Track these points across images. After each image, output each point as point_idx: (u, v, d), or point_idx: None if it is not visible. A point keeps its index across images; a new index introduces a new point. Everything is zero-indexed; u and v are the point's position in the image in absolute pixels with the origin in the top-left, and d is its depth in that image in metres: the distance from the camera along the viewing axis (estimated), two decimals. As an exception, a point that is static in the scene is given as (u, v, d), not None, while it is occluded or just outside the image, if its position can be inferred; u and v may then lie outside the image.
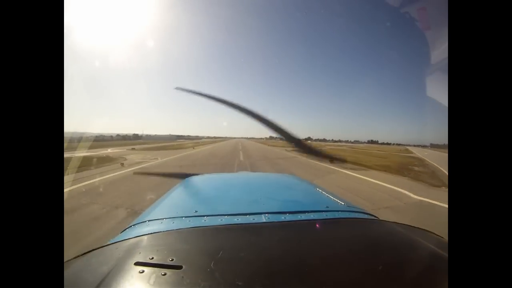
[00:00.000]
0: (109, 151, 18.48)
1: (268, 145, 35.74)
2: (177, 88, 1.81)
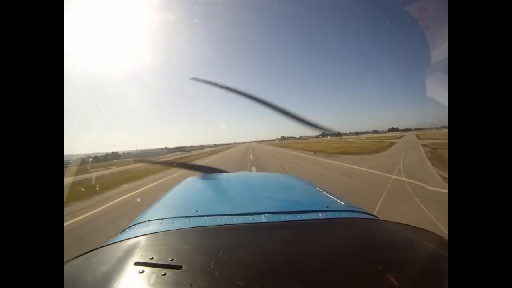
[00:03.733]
0: None
1: (301, 149, 25.31)
2: (192, 79, 1.77)
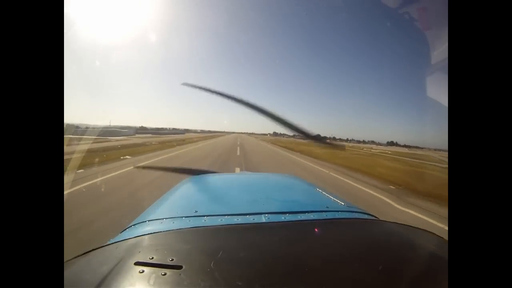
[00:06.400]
0: None
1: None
2: (183, 84, 1.83)
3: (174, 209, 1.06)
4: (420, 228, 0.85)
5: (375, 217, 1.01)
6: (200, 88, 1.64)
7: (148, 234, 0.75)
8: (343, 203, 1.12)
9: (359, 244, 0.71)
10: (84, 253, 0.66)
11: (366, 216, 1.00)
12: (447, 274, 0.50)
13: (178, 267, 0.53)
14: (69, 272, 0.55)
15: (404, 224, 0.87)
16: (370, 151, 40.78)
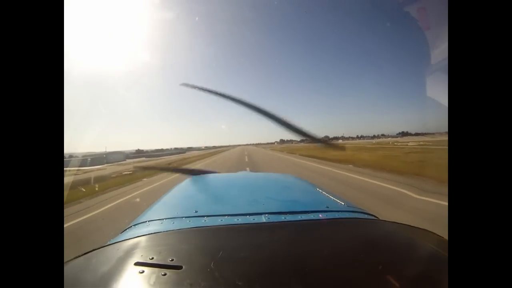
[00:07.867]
0: None
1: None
2: (182, 84, 1.67)
3: (174, 209, 1.06)
4: (420, 228, 0.84)
5: (376, 217, 1.01)
6: (200, 88, 1.56)
7: (148, 234, 0.75)
8: (343, 203, 1.12)
9: (359, 244, 0.71)
10: (84, 253, 0.66)
11: (366, 216, 1.00)
12: (447, 274, 0.50)
13: (178, 267, 0.53)
14: (69, 272, 0.55)
15: (404, 224, 0.87)
16: (407, 145, 32.79)
